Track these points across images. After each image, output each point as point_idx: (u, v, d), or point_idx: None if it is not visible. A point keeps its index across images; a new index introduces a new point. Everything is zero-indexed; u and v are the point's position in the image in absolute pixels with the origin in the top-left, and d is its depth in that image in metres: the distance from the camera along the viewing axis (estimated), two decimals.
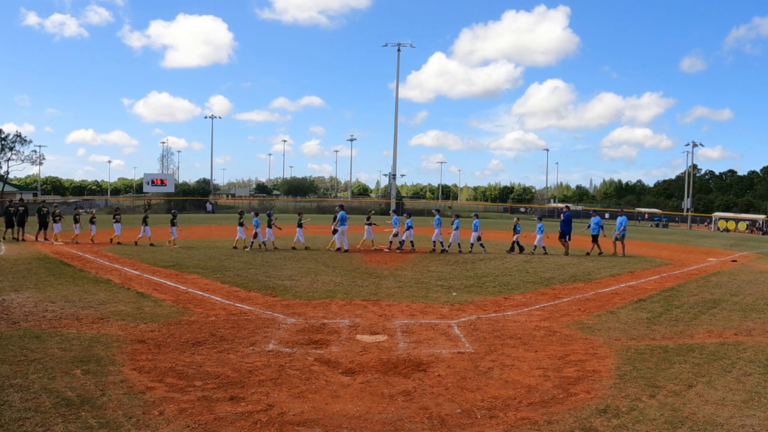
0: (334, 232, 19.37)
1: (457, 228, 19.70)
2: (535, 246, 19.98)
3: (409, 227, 19.90)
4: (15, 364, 6.20)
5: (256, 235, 19.19)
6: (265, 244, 19.41)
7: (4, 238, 21.10)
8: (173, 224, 20.31)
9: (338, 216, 19.36)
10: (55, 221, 20.96)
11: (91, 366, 6.24)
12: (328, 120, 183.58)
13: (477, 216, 21.75)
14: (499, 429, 4.85)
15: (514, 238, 20.19)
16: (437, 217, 20.22)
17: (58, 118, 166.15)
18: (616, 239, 20.31)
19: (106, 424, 4.72)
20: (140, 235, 20.22)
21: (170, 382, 5.81)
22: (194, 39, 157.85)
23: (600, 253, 20.13)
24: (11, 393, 5.33)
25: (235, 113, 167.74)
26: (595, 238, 20.42)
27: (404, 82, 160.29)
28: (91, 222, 21.43)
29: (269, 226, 19.66)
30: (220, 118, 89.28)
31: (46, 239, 20.91)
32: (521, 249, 19.98)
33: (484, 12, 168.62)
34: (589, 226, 20.96)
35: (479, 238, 20.34)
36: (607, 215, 68.54)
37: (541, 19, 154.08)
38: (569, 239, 20.39)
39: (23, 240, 21.00)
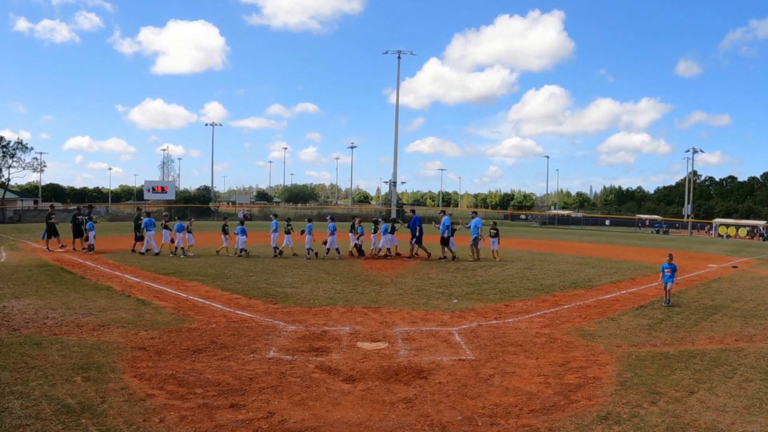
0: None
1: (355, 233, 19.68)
2: (379, 248, 19.68)
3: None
4: (15, 371, 6.20)
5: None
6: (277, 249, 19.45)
7: (74, 249, 20.08)
8: (240, 231, 19.69)
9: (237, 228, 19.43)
10: (166, 228, 20.17)
11: (91, 373, 6.23)
12: (324, 126, 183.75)
13: (384, 220, 21.70)
14: None
15: (356, 241, 19.77)
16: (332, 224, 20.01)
17: (54, 125, 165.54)
18: (472, 243, 19.59)
19: (107, 431, 4.71)
20: (224, 245, 19.87)
21: (171, 390, 5.81)
22: (186, 45, 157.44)
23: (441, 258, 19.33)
24: (12, 400, 5.33)
25: (231, 120, 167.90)
26: (475, 240, 19.52)
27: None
28: (166, 227, 20.45)
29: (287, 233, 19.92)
30: (220, 125, 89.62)
31: (79, 248, 20.06)
32: (360, 253, 19.59)
33: (477, 17, 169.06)
34: (469, 227, 20.11)
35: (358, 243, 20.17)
36: (607, 222, 68.79)
37: (535, 23, 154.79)
38: (416, 241, 19.62)
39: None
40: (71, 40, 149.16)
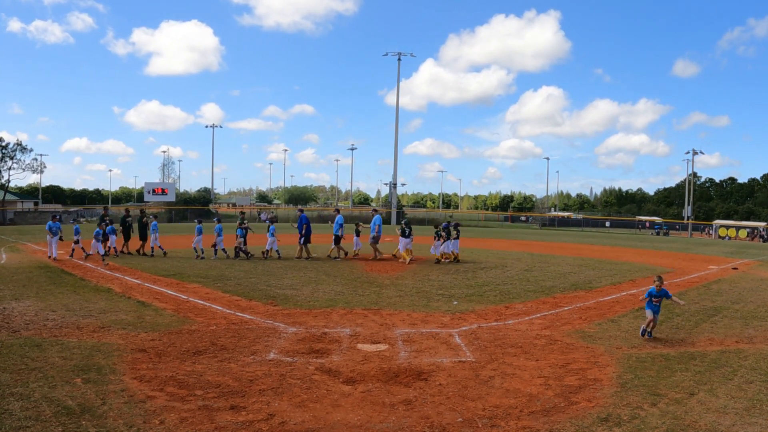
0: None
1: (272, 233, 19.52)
2: (268, 249, 19.40)
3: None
4: (16, 373, 6.21)
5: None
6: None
7: (138, 252, 19.68)
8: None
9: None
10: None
11: (91, 375, 6.24)
12: (322, 128, 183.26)
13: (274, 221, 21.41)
14: None
15: (237, 243, 19.32)
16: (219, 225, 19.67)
17: (52, 127, 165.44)
18: (371, 242, 19.38)
19: None
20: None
21: (171, 391, 5.81)
22: (180, 45, 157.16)
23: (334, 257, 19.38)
24: (12, 402, 5.33)
25: (227, 121, 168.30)
26: (374, 239, 19.33)
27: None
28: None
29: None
30: (221, 127, 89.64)
31: (128, 252, 19.72)
32: (247, 254, 19.10)
33: (472, 17, 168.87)
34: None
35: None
36: (607, 223, 68.79)
37: (531, 23, 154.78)
38: (304, 241, 19.32)
39: (152, 254, 19.46)
40: (65, 40, 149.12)
